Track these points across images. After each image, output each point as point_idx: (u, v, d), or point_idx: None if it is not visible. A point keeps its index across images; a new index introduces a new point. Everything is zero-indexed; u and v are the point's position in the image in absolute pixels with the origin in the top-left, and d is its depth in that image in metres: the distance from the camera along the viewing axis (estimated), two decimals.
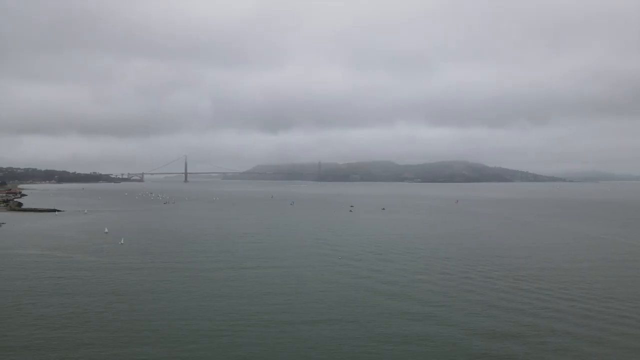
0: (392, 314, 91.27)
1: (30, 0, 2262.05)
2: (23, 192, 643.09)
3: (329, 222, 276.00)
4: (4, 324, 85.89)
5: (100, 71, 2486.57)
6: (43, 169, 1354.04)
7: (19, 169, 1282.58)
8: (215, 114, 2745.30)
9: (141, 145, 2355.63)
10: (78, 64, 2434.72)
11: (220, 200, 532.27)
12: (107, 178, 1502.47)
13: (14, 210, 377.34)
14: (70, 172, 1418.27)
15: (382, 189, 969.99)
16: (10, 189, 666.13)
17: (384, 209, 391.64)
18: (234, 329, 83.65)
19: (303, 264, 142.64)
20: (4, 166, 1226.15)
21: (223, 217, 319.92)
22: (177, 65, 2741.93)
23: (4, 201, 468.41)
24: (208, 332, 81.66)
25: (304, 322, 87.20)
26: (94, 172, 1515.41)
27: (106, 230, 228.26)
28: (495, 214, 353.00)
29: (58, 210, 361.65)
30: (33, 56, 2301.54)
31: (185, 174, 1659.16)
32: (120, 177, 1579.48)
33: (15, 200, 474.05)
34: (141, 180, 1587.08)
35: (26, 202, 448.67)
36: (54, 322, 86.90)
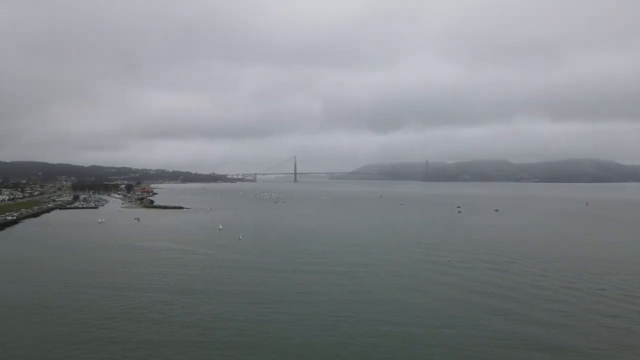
0: (508, 337, 79.02)
1: (161, 16, 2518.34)
2: (154, 191, 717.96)
3: (437, 224, 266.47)
4: (140, 316, 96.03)
5: (220, 78, 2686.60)
6: (171, 170, 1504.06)
7: (151, 170, 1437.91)
8: (325, 115, 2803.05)
9: (255, 147, 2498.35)
10: (201, 72, 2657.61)
11: (330, 200, 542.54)
12: (224, 178, 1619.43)
13: (147, 207, 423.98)
14: (193, 172, 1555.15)
15: (495, 190, 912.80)
16: (144, 188, 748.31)
17: (497, 210, 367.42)
18: (333, 334, 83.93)
19: (408, 267, 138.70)
20: (140, 168, 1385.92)
21: (332, 216, 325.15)
22: (290, 69, 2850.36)
23: (139, 199, 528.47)
24: (316, 334, 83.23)
25: (407, 332, 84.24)
26: (212, 173, 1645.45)
27: (220, 227, 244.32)
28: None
29: (183, 208, 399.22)
30: (164, 67, 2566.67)
31: (295, 174, 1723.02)
32: (235, 177, 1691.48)
33: (148, 198, 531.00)
34: (254, 180, 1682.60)
35: (157, 200, 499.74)
36: (176, 314, 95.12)
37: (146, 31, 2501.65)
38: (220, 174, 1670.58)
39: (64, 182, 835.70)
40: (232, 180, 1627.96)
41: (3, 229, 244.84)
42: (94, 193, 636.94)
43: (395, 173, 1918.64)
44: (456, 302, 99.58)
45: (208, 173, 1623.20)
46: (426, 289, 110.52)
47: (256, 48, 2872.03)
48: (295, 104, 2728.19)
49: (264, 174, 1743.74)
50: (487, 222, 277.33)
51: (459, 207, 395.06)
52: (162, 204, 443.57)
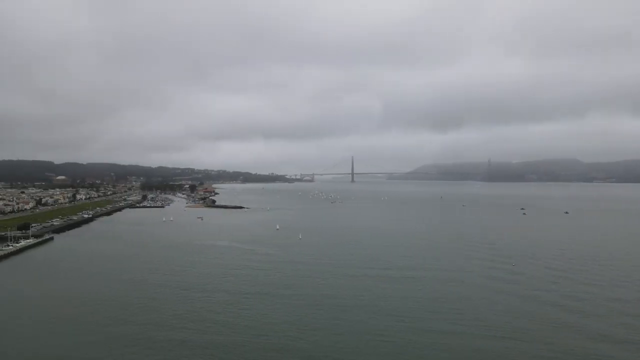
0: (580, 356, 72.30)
1: (224, 22, 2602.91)
2: (216, 191, 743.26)
3: (500, 226, 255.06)
4: (204, 309, 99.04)
5: (280, 80, 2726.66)
6: (231, 170, 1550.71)
7: (213, 170, 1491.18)
8: (383, 115, 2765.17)
9: (313, 147, 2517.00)
10: (262, 75, 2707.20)
11: (388, 201, 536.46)
12: (282, 178, 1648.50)
13: (209, 206, 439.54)
14: (253, 173, 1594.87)
15: (565, 190, 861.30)
16: (206, 188, 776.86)
17: (567, 212, 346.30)
18: (399, 335, 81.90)
19: (471, 274, 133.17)
20: (202, 168, 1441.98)
21: (391, 217, 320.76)
22: (348, 69, 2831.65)
23: (202, 199, 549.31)
24: (384, 332, 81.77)
25: (472, 335, 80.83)
26: (272, 173, 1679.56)
27: (278, 227, 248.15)
28: None
29: (244, 207, 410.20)
30: (227, 71, 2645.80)
31: (352, 174, 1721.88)
32: (294, 177, 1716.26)
33: (210, 198, 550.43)
34: (312, 180, 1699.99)
35: (218, 200, 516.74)
36: (239, 309, 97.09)
37: (210, 37, 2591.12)
38: (279, 174, 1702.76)
39: (134, 182, 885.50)
40: (291, 180, 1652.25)
41: (80, 226, 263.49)
42: (160, 193, 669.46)
43: (456, 173, 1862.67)
44: (523, 313, 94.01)
45: (267, 173, 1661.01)
46: (493, 299, 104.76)
47: (313, 49, 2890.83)
48: (353, 104, 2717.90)
49: (321, 174, 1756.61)
50: (555, 225, 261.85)
51: (523, 208, 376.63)
52: (223, 203, 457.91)
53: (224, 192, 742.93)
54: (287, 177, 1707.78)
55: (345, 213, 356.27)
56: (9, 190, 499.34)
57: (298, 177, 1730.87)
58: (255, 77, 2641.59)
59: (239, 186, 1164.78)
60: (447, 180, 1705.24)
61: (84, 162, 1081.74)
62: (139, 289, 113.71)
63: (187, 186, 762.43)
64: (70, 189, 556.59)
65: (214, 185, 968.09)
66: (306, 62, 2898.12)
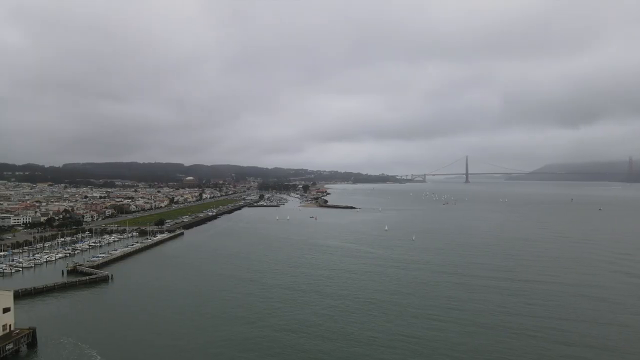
0: None
1: (338, 23, 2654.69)
2: (328, 191, 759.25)
3: None
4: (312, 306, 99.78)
5: (394, 79, 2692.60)
6: (343, 171, 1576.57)
7: (325, 171, 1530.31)
8: (504, 111, 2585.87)
9: (425, 147, 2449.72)
10: (376, 75, 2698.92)
11: (508, 203, 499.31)
12: (393, 179, 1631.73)
13: (321, 206, 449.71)
14: (363, 173, 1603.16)
15: None
16: (319, 189, 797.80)
17: None
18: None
19: (607, 286, 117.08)
20: (314, 169, 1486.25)
21: (511, 220, 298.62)
22: (468, 64, 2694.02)
23: (314, 198, 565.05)
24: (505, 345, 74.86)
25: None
26: (382, 174, 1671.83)
27: (386, 227, 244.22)
28: None
29: (355, 208, 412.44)
30: (341, 73, 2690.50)
31: (467, 174, 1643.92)
32: (404, 177, 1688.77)
33: (322, 198, 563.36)
34: (423, 180, 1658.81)
35: (330, 200, 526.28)
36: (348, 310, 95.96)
37: (325, 41, 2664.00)
38: (389, 174, 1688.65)
39: (252, 183, 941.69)
40: (401, 180, 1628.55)
41: (206, 223, 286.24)
42: (275, 193, 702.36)
43: (588, 173, 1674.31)
44: None
45: (378, 174, 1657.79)
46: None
47: (431, 45, 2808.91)
48: (472, 100, 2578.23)
49: (433, 175, 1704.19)
50: None
51: None
52: (335, 203, 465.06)
53: (336, 192, 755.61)
54: (398, 177, 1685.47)
55: (459, 215, 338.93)
56: (148, 190, 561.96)
57: (409, 177, 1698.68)
58: (369, 77, 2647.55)
59: (350, 186, 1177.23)
60: (578, 181, 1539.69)
61: (209, 164, 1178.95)
62: (259, 289, 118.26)
63: (301, 186, 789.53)
64: (197, 188, 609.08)
65: (326, 186, 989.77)
66: (423, 59, 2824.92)
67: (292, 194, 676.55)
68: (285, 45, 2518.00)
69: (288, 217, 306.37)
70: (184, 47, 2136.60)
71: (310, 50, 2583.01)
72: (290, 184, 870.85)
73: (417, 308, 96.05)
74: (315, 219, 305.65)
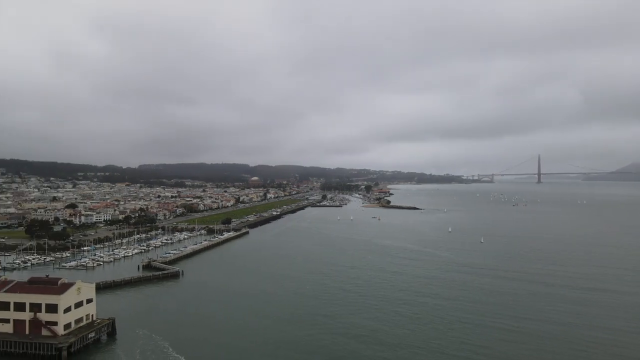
0: None
1: (404, 21, 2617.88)
2: (390, 191, 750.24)
3: None
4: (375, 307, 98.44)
5: (460, 77, 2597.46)
6: (406, 171, 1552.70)
7: (387, 171, 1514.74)
8: (582, 107, 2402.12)
9: (493, 146, 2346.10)
10: (441, 72, 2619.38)
11: (587, 205, 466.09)
12: (458, 179, 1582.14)
13: (384, 206, 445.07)
14: (427, 174, 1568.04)
15: None
16: (381, 189, 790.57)
17: None
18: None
19: None
20: (377, 169, 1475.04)
21: (591, 224, 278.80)
22: (542, 58, 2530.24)
23: (377, 199, 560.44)
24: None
25: None
26: (447, 174, 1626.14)
27: (450, 229, 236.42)
28: None
29: (418, 208, 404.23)
30: (405, 71, 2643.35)
31: (539, 174, 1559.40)
32: (470, 178, 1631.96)
33: (385, 198, 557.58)
34: (491, 181, 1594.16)
35: (393, 200, 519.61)
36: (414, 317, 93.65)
37: (390, 39, 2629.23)
38: (454, 175, 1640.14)
39: (315, 183, 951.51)
40: (467, 181, 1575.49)
41: (270, 222, 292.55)
42: (338, 193, 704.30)
43: None
44: None
45: (442, 174, 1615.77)
46: None
47: (502, 39, 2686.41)
48: (545, 96, 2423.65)
49: (501, 175, 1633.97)
50: None
51: None
52: (398, 204, 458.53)
53: (399, 192, 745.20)
54: (464, 177, 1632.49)
55: (531, 218, 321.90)
56: (215, 189, 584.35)
57: (475, 177, 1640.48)
58: (434, 75, 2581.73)
59: (413, 187, 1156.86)
60: None
61: (273, 165, 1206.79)
62: (321, 290, 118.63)
63: (363, 187, 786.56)
64: (262, 188, 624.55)
65: (389, 186, 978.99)
66: (492, 54, 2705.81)
67: (355, 194, 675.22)
68: (350, 45, 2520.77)
69: (351, 218, 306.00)
70: (252, 50, 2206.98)
71: (375, 50, 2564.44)
72: (353, 184, 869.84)
73: (487, 316, 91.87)
74: (379, 219, 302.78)
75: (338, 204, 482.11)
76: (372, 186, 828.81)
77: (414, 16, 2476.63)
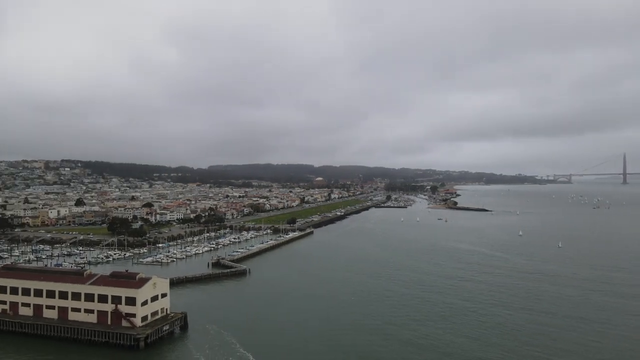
0: None
1: (475, 16, 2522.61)
2: (457, 192, 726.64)
3: None
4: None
5: (535, 71, 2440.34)
6: (474, 171, 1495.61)
7: (454, 172, 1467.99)
8: None
9: (571, 144, 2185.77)
10: (514, 67, 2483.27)
11: None
12: (532, 180, 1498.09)
13: (451, 208, 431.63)
14: (497, 174, 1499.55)
15: None
16: (447, 189, 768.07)
17: None
18: None
19: None
20: (443, 169, 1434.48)
21: None
22: (628, 48, 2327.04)
23: (443, 200, 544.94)
24: None
25: None
26: (519, 174, 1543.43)
27: (520, 233, 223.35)
28: None
29: (487, 210, 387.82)
30: (475, 68, 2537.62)
31: (624, 174, 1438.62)
32: (545, 178, 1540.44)
33: (451, 199, 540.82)
34: (569, 181, 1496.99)
35: (460, 201, 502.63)
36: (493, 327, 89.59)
37: (460, 35, 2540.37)
38: (527, 175, 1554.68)
39: (379, 183, 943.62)
40: (542, 181, 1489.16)
41: (334, 222, 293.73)
42: (402, 193, 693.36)
43: None
44: None
45: (514, 174, 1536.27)
46: None
47: (584, 30, 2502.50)
48: (632, 89, 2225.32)
49: (580, 175, 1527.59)
50: None
51: None
52: (465, 205, 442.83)
53: (466, 193, 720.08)
54: (538, 178, 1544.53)
55: (616, 222, 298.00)
56: (281, 190, 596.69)
57: (551, 178, 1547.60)
58: (506, 70, 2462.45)
59: (481, 188, 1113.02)
60: None
61: (337, 165, 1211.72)
62: (386, 295, 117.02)
63: (428, 187, 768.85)
64: (326, 189, 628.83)
65: (455, 187, 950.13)
66: (572, 45, 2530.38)
67: (420, 195, 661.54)
68: (416, 43, 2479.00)
69: (418, 219, 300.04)
70: (317, 52, 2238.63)
71: (442, 46, 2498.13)
72: (418, 184, 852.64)
73: (565, 330, 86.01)
74: (445, 221, 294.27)
75: (403, 204, 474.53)
76: (438, 187, 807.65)
77: (486, 7, 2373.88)
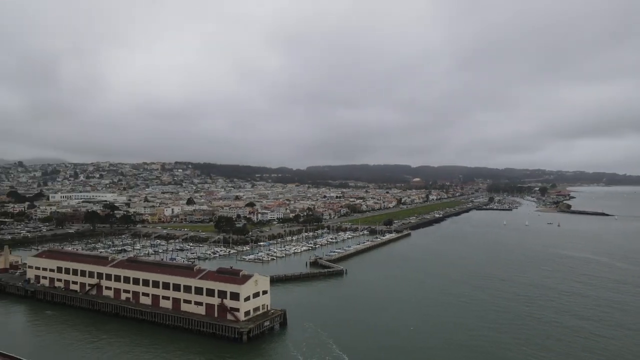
0: None
1: (590, 3, 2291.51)
2: (571, 194, 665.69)
3: None
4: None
5: None
6: (591, 171, 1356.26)
7: (567, 172, 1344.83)
8: None
9: None
10: (636, 54, 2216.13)
11: None
12: None
13: (563, 211, 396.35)
14: (620, 174, 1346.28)
15: None
16: (559, 191, 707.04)
17: None
18: None
19: None
20: (554, 169, 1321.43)
21: None
22: None
23: (554, 202, 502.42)
24: None
25: None
26: None
27: None
28: None
29: (608, 215, 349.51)
30: (593, 56, 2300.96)
31: None
32: None
33: (564, 202, 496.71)
34: None
35: (574, 204, 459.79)
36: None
37: (573, 21, 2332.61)
38: None
39: (480, 184, 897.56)
40: None
41: (432, 225, 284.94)
42: (507, 195, 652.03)
43: None
44: None
45: None
46: None
47: None
48: None
49: None
50: None
51: None
52: (580, 209, 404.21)
53: (582, 195, 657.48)
54: None
55: None
56: (377, 190, 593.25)
57: None
58: (629, 57, 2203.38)
59: (600, 189, 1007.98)
60: None
61: (435, 165, 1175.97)
62: (493, 306, 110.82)
63: (537, 189, 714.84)
64: (424, 190, 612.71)
65: (568, 188, 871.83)
66: None
67: (527, 197, 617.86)
68: (522, 34, 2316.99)
69: (526, 223, 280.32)
70: (414, 50, 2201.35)
71: (553, 36, 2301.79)
72: (525, 186, 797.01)
73: None
74: (558, 225, 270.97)
75: (507, 207, 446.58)
76: (548, 188, 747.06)
77: None
